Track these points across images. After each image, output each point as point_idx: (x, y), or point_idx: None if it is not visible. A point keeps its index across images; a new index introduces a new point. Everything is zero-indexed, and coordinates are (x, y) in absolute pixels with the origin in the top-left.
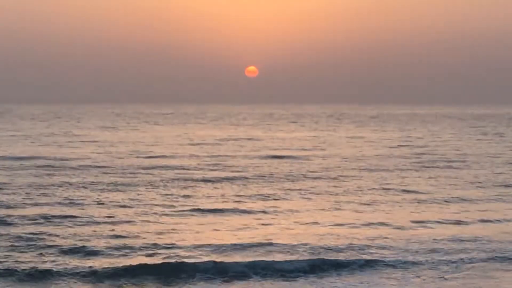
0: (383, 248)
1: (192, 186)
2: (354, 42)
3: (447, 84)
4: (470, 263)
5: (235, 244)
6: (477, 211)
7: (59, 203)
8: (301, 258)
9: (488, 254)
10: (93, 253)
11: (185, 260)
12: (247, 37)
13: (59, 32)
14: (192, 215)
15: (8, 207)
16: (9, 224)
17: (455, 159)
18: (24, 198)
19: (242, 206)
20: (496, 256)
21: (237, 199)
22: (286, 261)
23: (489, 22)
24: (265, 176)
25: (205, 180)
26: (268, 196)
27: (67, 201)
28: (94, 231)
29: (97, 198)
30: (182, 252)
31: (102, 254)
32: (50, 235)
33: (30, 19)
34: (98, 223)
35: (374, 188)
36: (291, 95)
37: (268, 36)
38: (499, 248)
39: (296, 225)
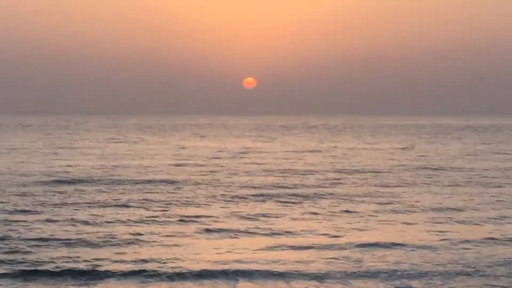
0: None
1: (197, 204)
2: (353, 53)
3: (445, 94)
4: None
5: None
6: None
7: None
8: None
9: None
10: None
11: None
12: (245, 48)
13: (57, 41)
14: (198, 235)
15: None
16: None
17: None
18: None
19: (248, 227)
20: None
21: (246, 217)
22: None
23: (491, 31)
24: (272, 193)
25: (210, 198)
26: (274, 216)
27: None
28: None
29: (92, 216)
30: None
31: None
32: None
33: (30, 28)
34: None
35: (381, 203)
36: (289, 106)
37: (266, 47)
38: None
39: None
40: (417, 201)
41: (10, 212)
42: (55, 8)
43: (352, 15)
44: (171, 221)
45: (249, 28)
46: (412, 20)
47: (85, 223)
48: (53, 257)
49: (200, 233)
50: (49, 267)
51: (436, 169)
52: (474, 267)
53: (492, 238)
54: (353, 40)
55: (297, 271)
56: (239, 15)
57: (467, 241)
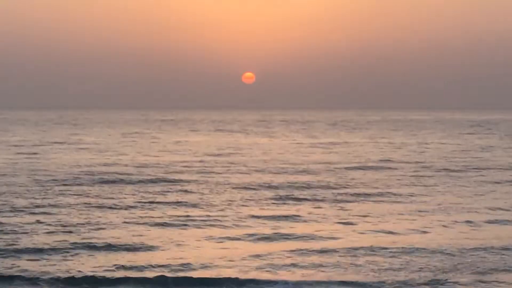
0: None
1: (198, 204)
2: (353, 47)
3: (449, 89)
4: None
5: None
6: None
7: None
8: None
9: None
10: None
11: None
12: (244, 43)
13: (57, 38)
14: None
15: None
16: None
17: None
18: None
19: (249, 230)
20: None
21: (246, 218)
22: None
23: (494, 25)
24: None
25: (211, 198)
26: (287, 217)
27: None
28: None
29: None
30: None
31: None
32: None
33: (29, 25)
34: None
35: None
36: (288, 101)
37: (265, 42)
38: None
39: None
40: (425, 201)
41: (3, 212)
42: (59, 3)
43: (352, 10)
44: (172, 223)
45: (248, 23)
46: (412, 15)
47: (83, 224)
48: (52, 261)
49: (203, 238)
50: (46, 271)
51: (440, 166)
52: (478, 271)
53: (498, 241)
54: (353, 35)
55: (296, 277)
56: (238, 10)
57: (471, 243)
